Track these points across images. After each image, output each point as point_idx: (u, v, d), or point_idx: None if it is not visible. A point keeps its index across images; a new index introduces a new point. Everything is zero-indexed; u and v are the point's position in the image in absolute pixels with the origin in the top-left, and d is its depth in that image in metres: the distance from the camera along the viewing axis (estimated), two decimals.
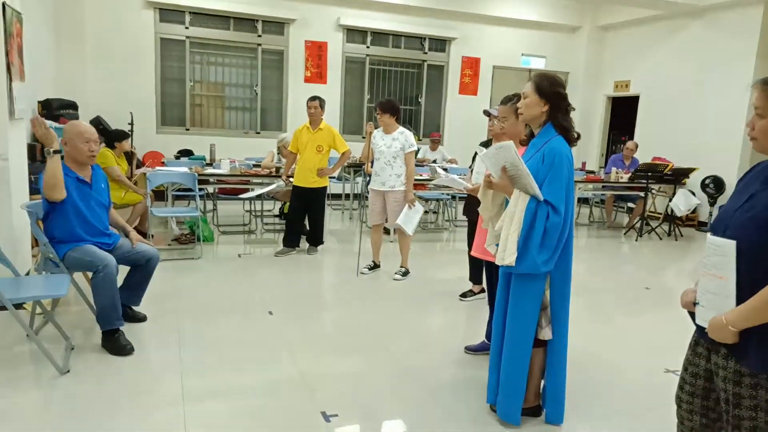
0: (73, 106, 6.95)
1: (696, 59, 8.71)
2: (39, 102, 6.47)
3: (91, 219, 3.28)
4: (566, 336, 2.56)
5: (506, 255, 2.37)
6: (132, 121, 8.00)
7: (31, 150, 5.89)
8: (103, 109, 7.82)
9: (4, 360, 2.98)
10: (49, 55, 7.06)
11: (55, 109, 6.48)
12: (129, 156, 6.46)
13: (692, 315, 1.64)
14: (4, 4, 3.56)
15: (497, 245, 2.62)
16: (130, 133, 7.85)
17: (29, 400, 2.61)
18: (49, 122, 6.20)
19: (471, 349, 3.41)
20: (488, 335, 3.37)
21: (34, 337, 2.79)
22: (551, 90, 2.44)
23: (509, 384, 2.51)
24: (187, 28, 8.59)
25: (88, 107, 7.63)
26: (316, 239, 5.74)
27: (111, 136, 5.87)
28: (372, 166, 4.95)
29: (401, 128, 4.84)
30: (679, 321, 4.27)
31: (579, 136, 2.52)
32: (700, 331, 1.61)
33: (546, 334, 2.53)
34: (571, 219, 2.45)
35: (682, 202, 7.35)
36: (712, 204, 8.25)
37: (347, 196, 8.54)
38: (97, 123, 7.45)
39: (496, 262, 2.43)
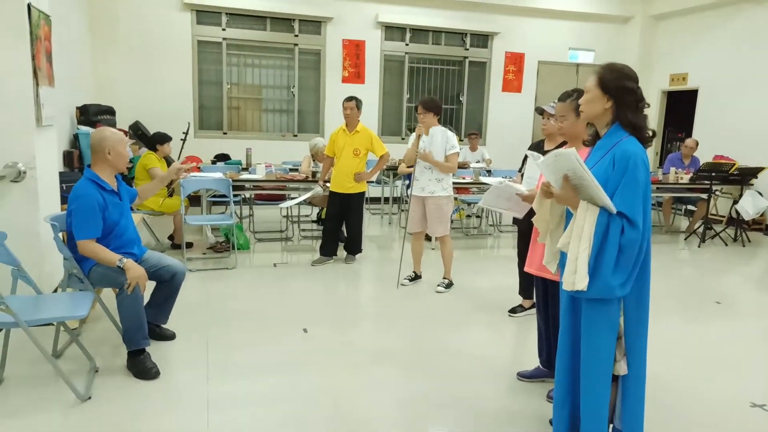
0: (110, 111, 6.93)
1: (761, 48, 8.03)
2: (77, 108, 6.45)
3: (121, 232, 3.10)
4: (644, 371, 2.19)
5: (577, 279, 2.02)
6: (187, 130, 7.94)
7: (68, 157, 5.87)
8: (139, 113, 7.77)
9: (27, 379, 2.82)
10: (86, 60, 7.06)
11: (92, 115, 6.45)
12: (169, 162, 6.36)
13: None
14: (29, 6, 3.42)
15: (559, 264, 2.30)
16: (182, 140, 7.82)
17: (47, 425, 2.44)
18: (85, 128, 6.21)
19: (524, 376, 3.07)
20: (544, 361, 3.02)
21: (53, 361, 2.61)
22: (616, 83, 2.09)
23: (590, 427, 2.16)
24: (223, 29, 8.49)
25: (126, 112, 7.61)
26: (354, 247, 5.48)
27: (153, 140, 5.76)
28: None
29: (442, 128, 4.52)
30: (761, 342, 3.86)
31: (654, 134, 2.16)
32: None
33: (620, 368, 2.17)
34: (649, 233, 2.09)
35: (750, 204, 6.76)
36: None
37: (386, 199, 8.27)
38: (136, 128, 7.42)
39: (565, 288, 2.09)
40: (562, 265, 2.24)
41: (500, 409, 2.76)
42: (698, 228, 7.12)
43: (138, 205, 3.93)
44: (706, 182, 6.89)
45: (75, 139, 6.11)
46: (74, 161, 5.85)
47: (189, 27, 8.29)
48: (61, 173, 4.48)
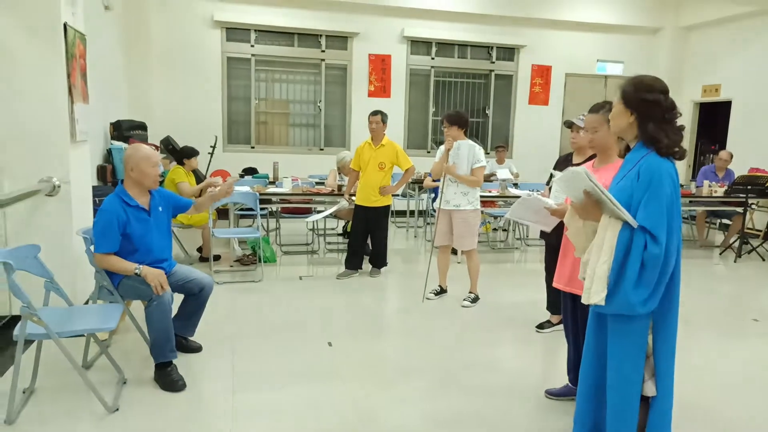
0: (142, 126, 7.09)
1: None
2: (111, 123, 6.62)
3: (147, 248, 3.13)
4: (671, 392, 2.12)
5: (592, 293, 1.99)
6: (215, 144, 8.10)
7: (101, 171, 6.02)
8: (171, 128, 7.94)
9: (58, 389, 2.87)
10: (120, 77, 7.26)
11: (125, 130, 6.61)
12: (198, 175, 6.47)
13: None
14: (66, 25, 3.54)
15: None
16: (210, 154, 7.98)
17: None
18: (118, 143, 6.37)
19: (553, 394, 3.00)
20: (573, 379, 2.94)
21: (83, 372, 2.66)
22: (635, 97, 2.06)
23: None
24: (252, 46, 8.65)
25: (158, 127, 7.79)
26: (379, 261, 5.47)
27: (181, 153, 5.88)
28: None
29: (469, 141, 4.50)
30: None
31: (678, 150, 2.06)
32: None
33: (648, 389, 2.11)
34: (679, 249, 2.03)
35: None
36: None
37: (412, 213, 8.25)
38: (167, 143, 7.58)
39: (582, 301, 2.06)
40: None
41: (528, 428, 2.69)
42: (734, 242, 6.91)
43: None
44: (742, 195, 6.69)
45: (108, 154, 6.27)
46: (107, 176, 5.99)
47: (219, 44, 8.47)
48: (94, 187, 4.60)
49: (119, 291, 3.07)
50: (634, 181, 2.03)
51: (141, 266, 2.97)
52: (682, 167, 9.86)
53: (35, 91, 3.51)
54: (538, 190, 4.77)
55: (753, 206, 7.38)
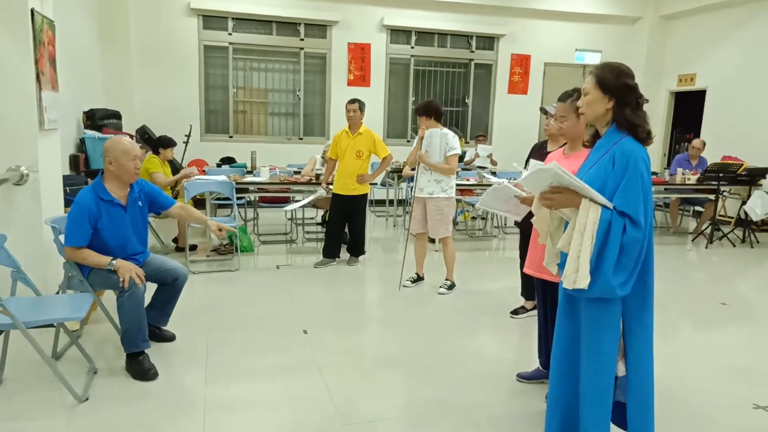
0: (116, 115, 6.98)
1: None
2: (84, 112, 6.50)
3: (120, 244, 3.09)
4: (651, 373, 2.13)
5: (579, 277, 1.99)
6: (190, 132, 8.01)
7: (74, 161, 5.92)
8: (146, 118, 7.83)
9: (26, 380, 2.84)
10: (94, 65, 7.13)
11: (98, 119, 6.50)
12: (174, 165, 6.40)
13: None
14: (33, 11, 3.46)
15: (559, 265, 2.27)
16: (185, 143, 7.88)
17: (43, 426, 2.46)
18: (92, 132, 6.26)
19: (524, 377, 3.05)
20: (543, 363, 2.99)
21: (50, 362, 2.63)
22: (617, 82, 2.06)
23: (593, 429, 2.13)
24: (230, 34, 8.55)
25: (133, 116, 7.68)
26: (357, 249, 5.48)
27: (157, 143, 5.80)
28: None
29: (444, 130, 4.50)
30: (765, 343, 3.79)
31: (649, 133, 2.10)
32: None
33: (619, 369, 2.14)
34: (651, 232, 2.05)
35: (759, 204, 6.67)
36: None
37: (391, 202, 8.26)
38: (143, 132, 7.47)
39: (565, 286, 2.06)
40: (562, 266, 2.22)
41: (501, 412, 2.73)
42: (706, 229, 7.04)
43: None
44: (714, 183, 6.81)
45: (81, 143, 6.16)
46: (80, 165, 5.89)
47: (196, 32, 8.36)
48: (66, 177, 4.53)
49: (89, 281, 3.04)
50: (608, 167, 2.03)
51: (115, 261, 2.93)
52: (658, 155, 10.01)
53: (1, 78, 3.43)
54: (513, 179, 4.80)
55: (725, 193, 7.52)
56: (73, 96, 5.87)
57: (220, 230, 3.39)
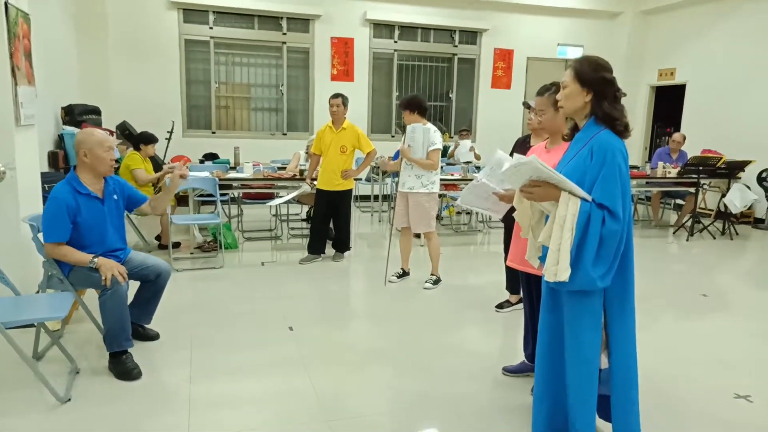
0: (96, 111, 6.87)
1: (750, 44, 8.06)
2: (62, 108, 6.39)
3: (100, 238, 3.04)
4: (635, 365, 2.15)
5: (559, 270, 2.00)
6: (172, 128, 7.90)
7: (53, 157, 5.81)
8: (127, 113, 7.71)
9: (7, 381, 2.79)
10: (72, 60, 7.00)
11: (77, 115, 6.39)
12: (156, 161, 6.31)
13: None
14: (6, 4, 3.37)
15: (541, 258, 2.28)
16: (167, 139, 7.78)
17: (25, 427, 2.42)
18: (70, 128, 6.15)
19: (510, 371, 3.06)
20: (529, 356, 3.01)
21: (31, 363, 2.58)
22: (595, 75, 2.07)
23: (581, 423, 2.14)
24: (211, 28, 8.44)
25: (113, 112, 7.55)
26: (342, 245, 5.46)
27: (138, 139, 5.72)
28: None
29: (427, 125, 4.49)
30: (745, 333, 3.87)
31: (627, 126, 2.11)
32: None
33: (602, 362, 2.16)
34: (629, 224, 2.07)
35: (738, 197, 6.79)
36: None
37: (376, 197, 8.25)
38: (123, 128, 7.36)
39: (546, 279, 2.08)
40: (543, 259, 2.23)
41: (486, 405, 2.75)
42: (686, 222, 7.15)
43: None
44: (694, 176, 6.91)
45: (60, 140, 6.05)
46: (59, 162, 5.78)
47: (176, 26, 8.24)
48: (45, 173, 4.45)
49: (70, 279, 2.98)
50: (587, 160, 2.05)
51: (97, 258, 2.88)
52: (639, 149, 10.13)
53: None
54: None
55: (705, 186, 7.64)
56: (50, 91, 5.76)
57: (182, 177, 3.35)
